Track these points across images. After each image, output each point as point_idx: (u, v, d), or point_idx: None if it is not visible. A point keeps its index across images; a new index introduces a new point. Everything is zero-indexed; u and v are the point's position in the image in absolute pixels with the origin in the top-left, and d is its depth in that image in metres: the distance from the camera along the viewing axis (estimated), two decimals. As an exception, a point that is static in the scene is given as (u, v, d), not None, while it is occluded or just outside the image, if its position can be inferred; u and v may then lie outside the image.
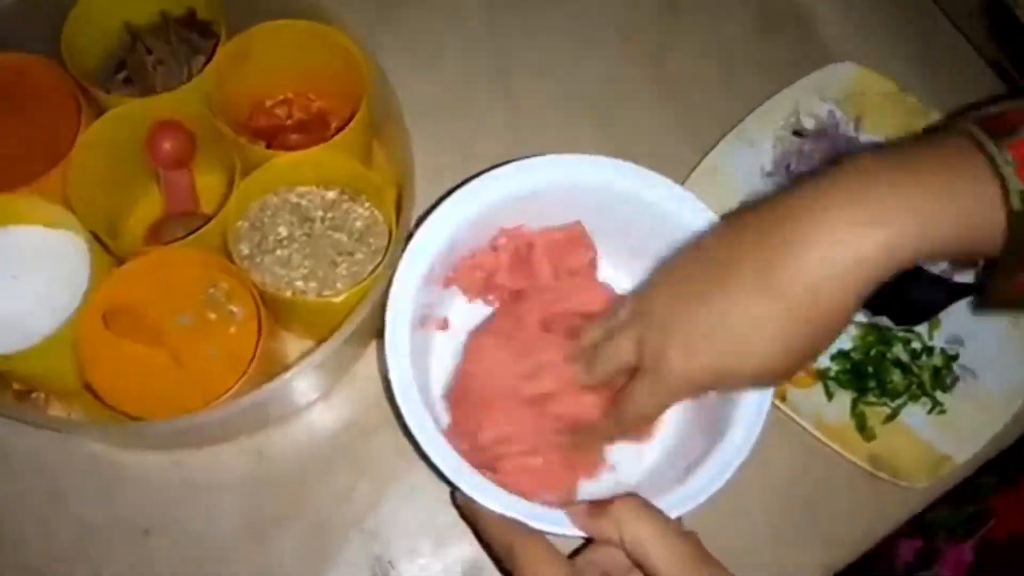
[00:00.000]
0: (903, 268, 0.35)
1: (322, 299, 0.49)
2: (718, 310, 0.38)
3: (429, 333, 0.52)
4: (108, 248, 0.51)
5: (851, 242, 0.34)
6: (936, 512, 0.56)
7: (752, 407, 0.45)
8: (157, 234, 0.53)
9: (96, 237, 0.49)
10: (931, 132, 0.39)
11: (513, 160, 0.50)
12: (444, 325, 0.53)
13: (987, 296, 0.39)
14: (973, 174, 0.34)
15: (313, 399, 0.54)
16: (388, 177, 0.58)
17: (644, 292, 0.43)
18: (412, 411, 0.43)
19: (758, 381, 0.41)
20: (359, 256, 0.51)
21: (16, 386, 0.52)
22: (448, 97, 0.65)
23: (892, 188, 0.34)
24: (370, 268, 0.51)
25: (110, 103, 0.52)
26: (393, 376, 0.44)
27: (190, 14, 0.57)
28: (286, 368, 0.46)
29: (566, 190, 0.50)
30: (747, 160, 0.61)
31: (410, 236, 0.48)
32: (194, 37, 0.57)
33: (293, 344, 0.55)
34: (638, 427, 0.47)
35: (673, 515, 0.43)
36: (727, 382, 0.40)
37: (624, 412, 0.43)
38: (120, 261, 0.50)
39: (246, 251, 0.50)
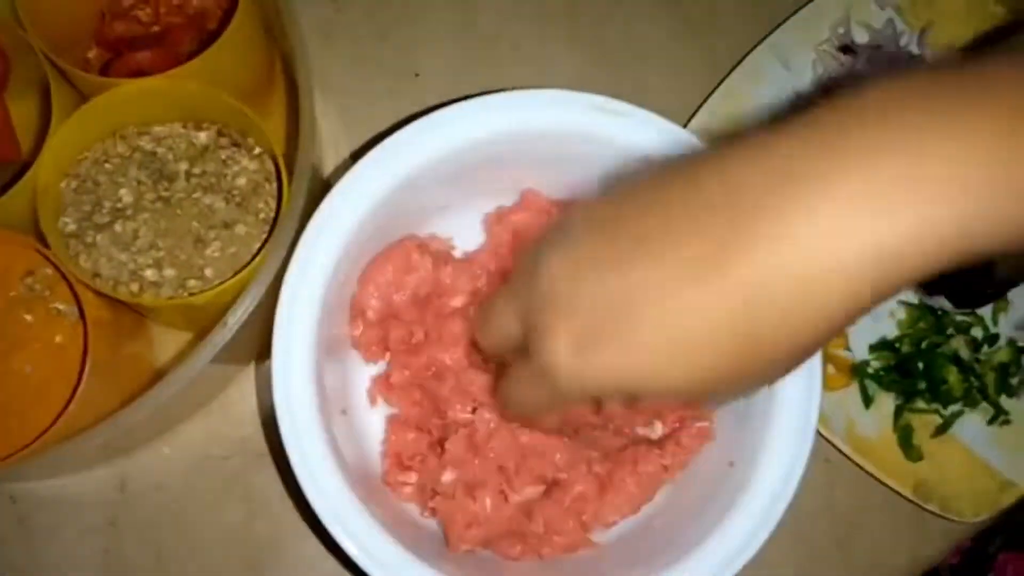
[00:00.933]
0: (942, 268, 0.23)
1: (180, 299, 0.35)
2: (646, 285, 0.25)
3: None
4: None
5: (868, 226, 0.22)
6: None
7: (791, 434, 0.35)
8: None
9: None
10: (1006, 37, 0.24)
11: (463, 96, 0.36)
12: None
13: None
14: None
15: (191, 414, 0.41)
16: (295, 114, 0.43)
17: (548, 238, 0.29)
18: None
19: (675, 399, 0.30)
20: (240, 229, 0.37)
21: None
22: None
23: (939, 139, 0.22)
24: (256, 246, 0.37)
25: None
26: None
27: None
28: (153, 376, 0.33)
29: (511, 143, 0.36)
30: (779, 84, 0.47)
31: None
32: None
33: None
34: (526, 422, 0.36)
35: None
36: (634, 393, 0.27)
37: (504, 399, 0.31)
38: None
39: (72, 226, 0.35)
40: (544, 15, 0.50)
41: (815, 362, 0.36)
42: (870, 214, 0.22)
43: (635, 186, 0.27)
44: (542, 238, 0.28)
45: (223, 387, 0.41)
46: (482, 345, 0.32)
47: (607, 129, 0.36)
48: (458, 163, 0.36)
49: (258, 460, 0.42)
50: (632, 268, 0.25)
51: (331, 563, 0.41)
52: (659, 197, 0.26)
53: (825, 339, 0.24)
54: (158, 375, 0.34)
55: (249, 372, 0.43)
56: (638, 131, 0.36)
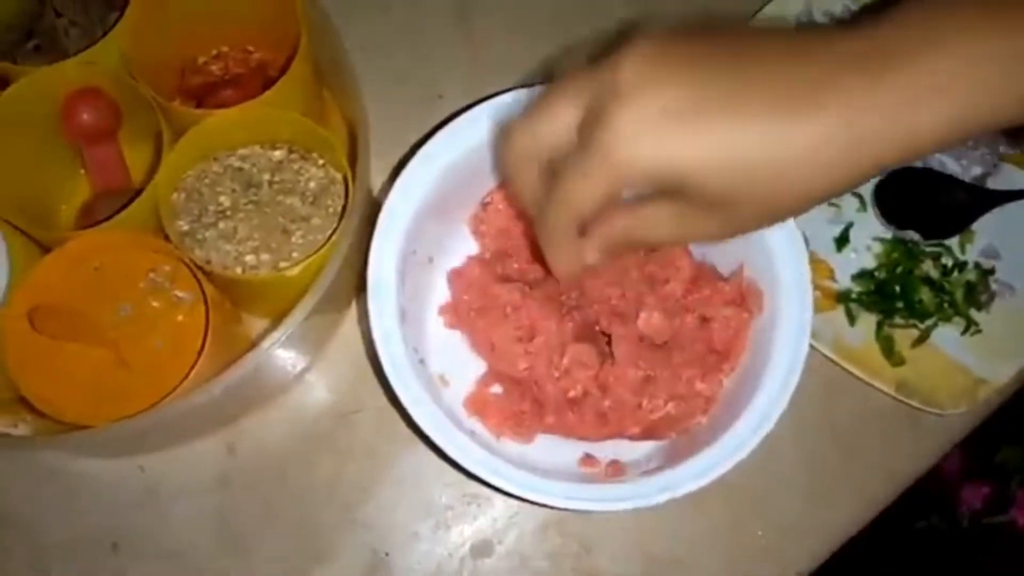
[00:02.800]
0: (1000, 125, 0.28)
1: (276, 274, 0.43)
2: (732, 98, 0.28)
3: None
4: (36, 239, 0.45)
5: (936, 95, 0.27)
6: (1006, 453, 0.52)
7: (790, 343, 0.42)
8: (87, 217, 0.47)
9: (16, 227, 0.44)
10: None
11: (483, 99, 0.44)
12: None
13: None
14: None
15: (285, 384, 0.49)
16: (344, 131, 0.52)
17: (631, 42, 0.30)
18: (398, 373, 0.40)
19: (776, 210, 0.31)
20: (316, 221, 0.46)
21: (-50, 401, 0.47)
22: (399, 35, 0.58)
23: (989, 38, 0.27)
24: (329, 233, 0.45)
25: (17, 75, 0.45)
26: (378, 337, 0.40)
27: (98, -36, 0.50)
28: (248, 351, 0.41)
29: None
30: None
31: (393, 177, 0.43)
32: (106, -10, 0.50)
33: (255, 326, 0.50)
34: (568, 224, 0.34)
35: (708, 480, 0.39)
36: (681, 187, 0.29)
37: (548, 208, 0.32)
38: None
39: (185, 227, 0.44)
40: (536, 41, 0.58)
41: (806, 286, 0.43)
42: (937, 89, 0.27)
43: (727, 30, 0.31)
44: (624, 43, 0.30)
45: (319, 347, 0.49)
46: (527, 144, 0.32)
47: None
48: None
49: (341, 420, 0.49)
50: (721, 81, 0.28)
51: (408, 501, 0.49)
52: (761, 43, 0.29)
53: (859, 180, 0.29)
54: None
55: (325, 355, 0.51)
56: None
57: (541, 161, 0.33)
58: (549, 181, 0.33)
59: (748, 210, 0.30)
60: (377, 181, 0.52)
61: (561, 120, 0.30)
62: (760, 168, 0.28)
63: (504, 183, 0.36)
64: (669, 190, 0.30)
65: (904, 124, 0.27)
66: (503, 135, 0.34)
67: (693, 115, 0.28)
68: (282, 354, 0.45)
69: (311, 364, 0.50)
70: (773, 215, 0.30)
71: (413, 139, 0.53)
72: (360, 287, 0.50)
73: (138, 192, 0.44)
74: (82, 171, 0.50)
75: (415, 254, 0.45)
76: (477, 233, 0.49)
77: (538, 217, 0.34)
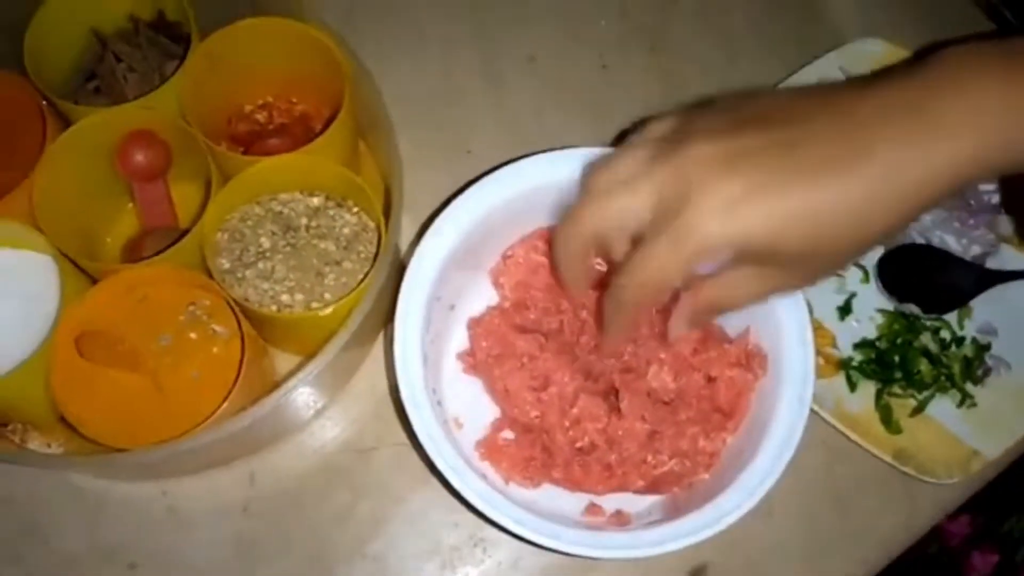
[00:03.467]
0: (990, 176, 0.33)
1: (309, 313, 0.46)
2: (793, 169, 0.32)
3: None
4: (84, 269, 0.48)
5: (953, 142, 0.31)
6: (1011, 523, 0.53)
7: (792, 405, 0.44)
8: (134, 251, 0.50)
9: (68, 258, 0.46)
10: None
11: (510, 160, 0.47)
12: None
13: None
14: None
15: (306, 418, 0.51)
16: (376, 180, 0.55)
17: (689, 126, 0.35)
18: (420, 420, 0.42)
19: (845, 254, 0.34)
20: (347, 265, 0.48)
21: (-9, 418, 0.49)
22: (435, 92, 0.62)
23: (995, 92, 0.31)
24: (360, 277, 0.48)
25: (77, 115, 0.49)
26: (400, 374, 0.43)
27: (159, 16, 0.54)
28: (276, 387, 0.43)
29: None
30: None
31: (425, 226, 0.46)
32: (165, 41, 0.54)
33: (284, 363, 0.52)
34: (645, 298, 0.37)
35: (707, 535, 0.41)
36: (761, 252, 0.33)
37: (629, 275, 0.35)
38: (96, 282, 0.47)
39: (226, 265, 0.47)
40: (565, 103, 0.62)
41: (809, 352, 0.45)
42: (952, 136, 0.31)
43: (773, 98, 0.35)
44: (680, 127, 0.35)
45: (342, 385, 0.52)
46: (596, 227, 0.36)
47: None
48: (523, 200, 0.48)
49: (358, 456, 0.51)
50: (778, 154, 0.32)
51: (417, 539, 0.50)
52: (801, 109, 0.34)
53: (909, 219, 0.33)
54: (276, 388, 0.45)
55: (345, 395, 0.53)
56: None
57: (604, 239, 0.37)
58: (611, 259, 0.37)
59: (821, 260, 0.34)
60: (403, 231, 0.55)
61: (638, 203, 0.34)
62: (827, 224, 0.32)
63: (558, 256, 0.39)
64: (750, 258, 0.34)
65: (942, 164, 0.31)
66: (570, 218, 0.37)
67: (762, 191, 0.32)
68: (307, 390, 0.48)
69: (333, 400, 0.52)
70: (843, 259, 0.35)
71: (440, 191, 0.56)
72: (384, 328, 0.52)
73: (186, 231, 0.47)
74: (130, 207, 0.54)
75: (439, 300, 0.47)
76: (497, 284, 0.52)
77: (614, 293, 0.37)
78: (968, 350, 0.54)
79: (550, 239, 0.50)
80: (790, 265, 0.34)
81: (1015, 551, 0.60)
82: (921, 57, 0.33)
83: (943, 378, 0.54)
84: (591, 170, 0.37)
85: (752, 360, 0.47)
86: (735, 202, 0.32)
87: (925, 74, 0.33)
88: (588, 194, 0.36)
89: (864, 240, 0.33)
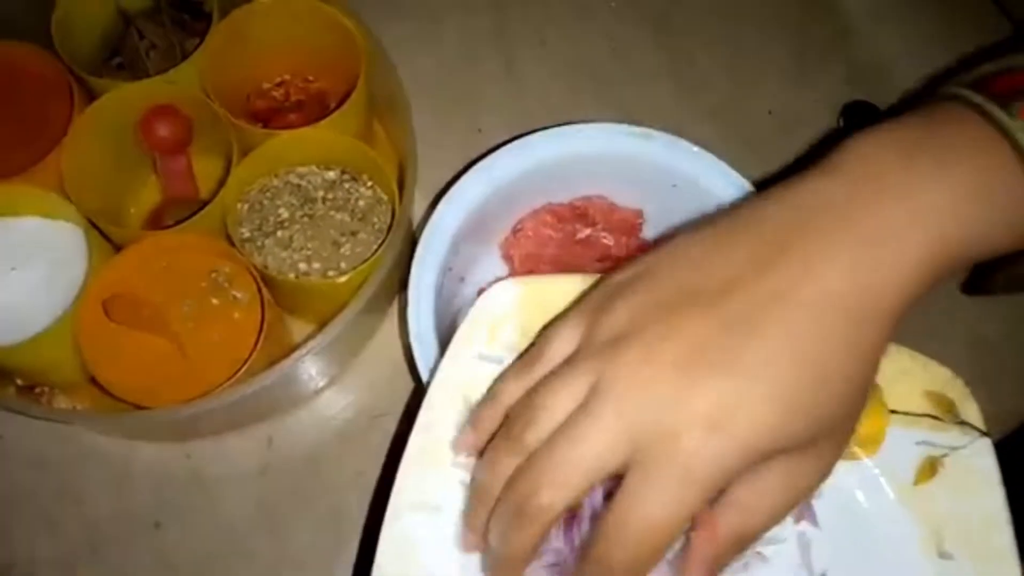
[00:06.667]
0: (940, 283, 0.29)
1: (326, 280, 0.48)
2: (728, 343, 0.28)
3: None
4: (108, 236, 0.50)
5: (888, 248, 0.28)
6: None
7: None
8: (157, 221, 0.52)
9: (94, 225, 0.48)
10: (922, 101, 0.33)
11: (519, 135, 0.49)
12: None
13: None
14: (988, 150, 0.29)
15: (322, 384, 0.53)
16: (390, 155, 0.57)
17: (602, 324, 0.30)
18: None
19: (848, 410, 0.30)
20: (362, 236, 0.50)
21: (19, 381, 0.51)
22: (448, 71, 0.63)
23: (916, 179, 0.29)
24: (374, 248, 0.50)
25: (103, 89, 0.50)
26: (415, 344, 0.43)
27: (182, -5, 0.56)
28: (293, 352, 0.45)
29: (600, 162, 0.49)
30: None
31: (437, 198, 0.47)
32: (187, 19, 0.55)
33: (299, 330, 0.54)
34: (646, 559, 0.28)
35: None
36: (766, 451, 0.28)
37: (621, 530, 0.27)
38: (120, 249, 0.49)
39: (247, 234, 0.49)
40: (575, 84, 0.64)
41: None
42: (881, 235, 0.28)
43: (682, 257, 0.30)
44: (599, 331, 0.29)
45: (356, 352, 0.54)
46: (570, 492, 0.28)
47: (638, 148, 0.48)
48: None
49: (372, 421, 0.53)
50: (732, 336, 0.27)
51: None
52: (723, 260, 0.29)
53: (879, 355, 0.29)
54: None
55: (360, 363, 0.55)
56: (661, 149, 0.48)
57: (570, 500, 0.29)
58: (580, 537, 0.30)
59: (837, 419, 0.29)
60: (416, 205, 0.56)
61: (606, 457, 0.28)
62: (821, 378, 0.28)
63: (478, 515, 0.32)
64: (760, 464, 0.28)
65: (891, 270, 0.28)
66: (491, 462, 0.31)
67: (733, 417, 0.27)
68: (323, 355, 0.50)
69: (348, 367, 0.54)
70: (855, 405, 0.30)
71: (451, 168, 0.58)
72: (398, 298, 0.54)
73: (207, 201, 0.49)
74: (153, 178, 0.55)
75: (450, 271, 0.49)
76: (507, 257, 0.54)
77: (598, 562, 0.28)
78: None
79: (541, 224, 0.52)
80: (812, 440, 0.29)
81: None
82: (824, 151, 0.31)
83: None
84: (515, 422, 0.30)
85: None
86: (718, 407, 0.27)
87: (841, 174, 0.30)
88: (528, 459, 0.29)
89: (864, 372, 0.29)
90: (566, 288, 0.37)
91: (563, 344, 0.31)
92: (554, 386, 0.29)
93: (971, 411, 0.38)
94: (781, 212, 0.30)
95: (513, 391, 0.31)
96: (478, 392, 0.36)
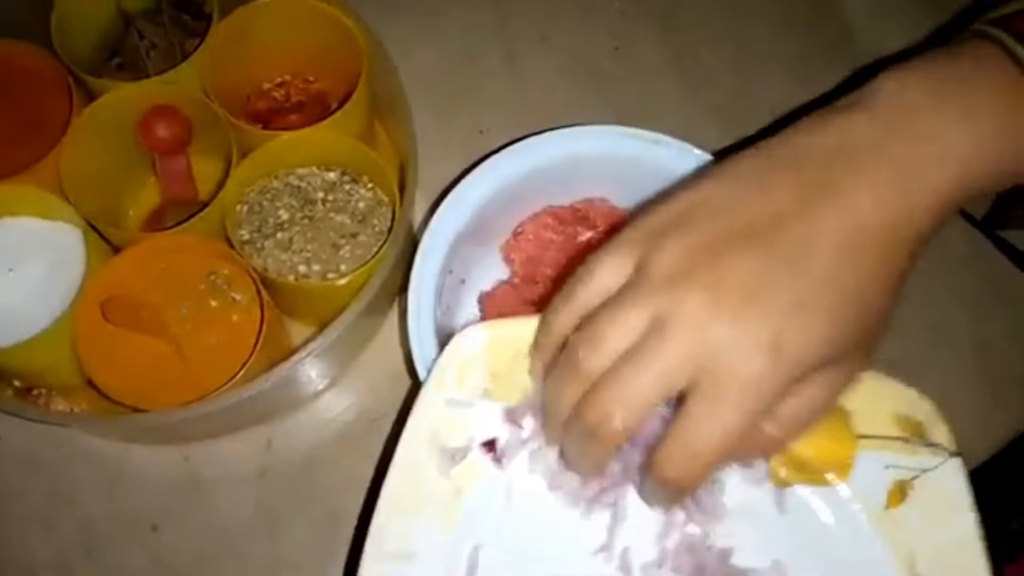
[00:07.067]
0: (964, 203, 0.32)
1: (326, 283, 0.48)
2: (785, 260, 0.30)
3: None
4: (106, 237, 0.49)
5: (919, 174, 0.31)
6: None
7: None
8: (156, 222, 0.52)
9: (93, 226, 0.48)
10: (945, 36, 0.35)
11: (522, 136, 0.48)
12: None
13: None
14: (1013, 89, 0.31)
15: (321, 386, 0.53)
16: (391, 156, 0.57)
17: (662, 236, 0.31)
18: None
19: (876, 316, 0.32)
20: (362, 238, 0.50)
21: (16, 383, 0.51)
22: (449, 68, 0.63)
23: (943, 117, 0.31)
24: (374, 250, 0.49)
25: (102, 89, 0.50)
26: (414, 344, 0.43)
27: (182, -5, 0.55)
28: (292, 354, 0.45)
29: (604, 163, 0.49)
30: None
31: (438, 201, 0.47)
32: (187, 19, 0.55)
33: (298, 333, 0.54)
34: (701, 471, 0.31)
35: None
36: (823, 359, 0.31)
37: (684, 448, 0.30)
38: (119, 251, 0.49)
39: (246, 236, 0.49)
40: (577, 84, 0.63)
41: None
42: (912, 173, 0.30)
43: (729, 191, 0.32)
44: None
45: (356, 355, 0.53)
46: (637, 415, 0.30)
47: (640, 151, 0.48)
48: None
49: (371, 424, 0.53)
50: (780, 268, 0.30)
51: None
52: (766, 192, 0.31)
53: (921, 249, 0.31)
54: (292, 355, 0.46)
55: (359, 366, 0.55)
56: (664, 153, 0.48)
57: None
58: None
59: (870, 328, 0.32)
60: (416, 207, 0.56)
61: (669, 383, 0.30)
62: (861, 299, 0.31)
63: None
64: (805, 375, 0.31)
65: (917, 200, 0.31)
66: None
67: (782, 335, 0.29)
68: (323, 358, 0.49)
69: (347, 370, 0.54)
70: (885, 315, 0.32)
71: (453, 169, 0.57)
72: (398, 300, 0.54)
73: (206, 203, 0.48)
74: (152, 179, 0.55)
75: (451, 274, 0.49)
76: (508, 260, 0.53)
77: (658, 470, 0.31)
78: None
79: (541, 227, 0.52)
80: (839, 362, 0.32)
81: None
82: (857, 84, 0.33)
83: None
84: (571, 306, 0.33)
85: None
86: (777, 336, 0.29)
87: (872, 115, 0.32)
88: (594, 385, 0.31)
89: (889, 283, 0.31)
90: (533, 330, 0.37)
91: (610, 276, 0.32)
92: (614, 317, 0.31)
93: (940, 431, 0.38)
94: (820, 148, 0.32)
95: (564, 319, 0.33)
96: (450, 438, 0.37)
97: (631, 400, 0.30)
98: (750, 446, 0.32)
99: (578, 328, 0.32)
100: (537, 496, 0.38)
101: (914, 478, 0.38)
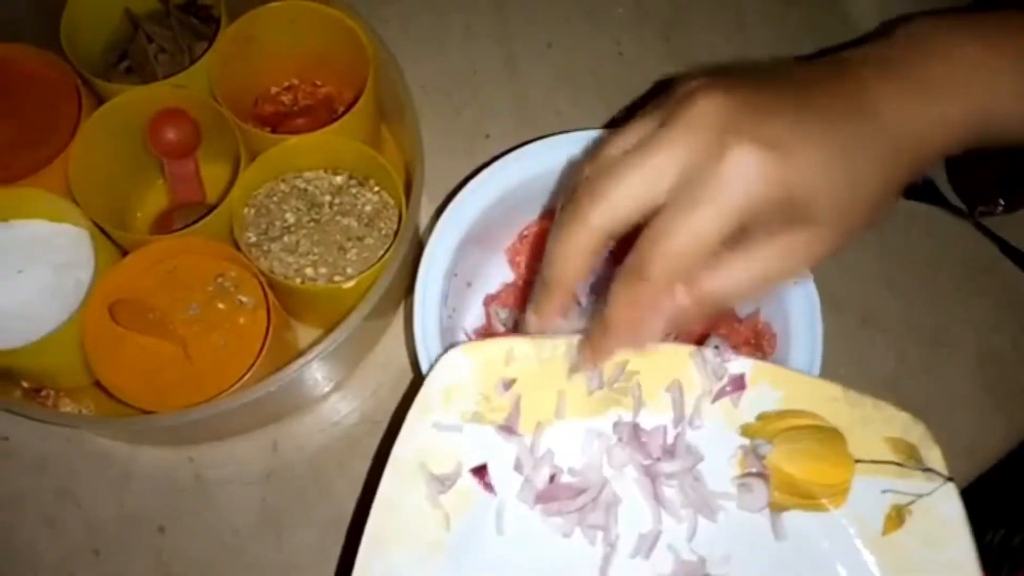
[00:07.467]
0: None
1: (332, 285, 0.48)
2: (814, 120, 0.32)
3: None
4: (114, 240, 0.50)
5: (939, 101, 0.34)
6: (989, 537, 0.53)
7: None
8: (163, 226, 0.52)
9: (101, 229, 0.48)
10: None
11: (527, 141, 0.48)
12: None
13: None
14: None
15: (327, 389, 0.53)
16: (397, 161, 0.57)
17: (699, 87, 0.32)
18: None
19: (857, 211, 0.33)
20: (369, 241, 0.50)
21: (25, 384, 0.51)
22: (455, 76, 0.63)
23: (970, 46, 0.34)
24: (380, 253, 0.50)
25: (111, 93, 0.51)
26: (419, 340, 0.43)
27: (190, -1, 0.56)
28: (299, 357, 0.45)
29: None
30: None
31: (441, 208, 0.47)
32: (195, 23, 0.55)
33: (304, 335, 0.54)
34: (675, 272, 0.31)
35: None
36: (800, 201, 0.31)
37: (660, 245, 0.30)
38: (127, 253, 0.49)
39: (253, 239, 0.49)
40: (581, 90, 0.64)
41: (818, 334, 0.45)
42: (940, 99, 0.33)
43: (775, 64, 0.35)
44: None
45: (361, 358, 0.54)
46: (614, 208, 0.31)
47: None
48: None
49: (376, 427, 0.53)
50: (796, 106, 0.31)
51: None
52: (804, 70, 0.34)
53: (914, 172, 0.34)
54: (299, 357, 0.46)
55: (365, 368, 0.55)
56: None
57: (622, 223, 0.32)
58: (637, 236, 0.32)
59: (855, 208, 0.32)
60: (422, 210, 0.56)
61: (662, 166, 0.30)
62: (860, 166, 0.32)
63: (558, 252, 0.33)
64: (782, 217, 0.31)
65: (936, 123, 0.33)
66: (592, 191, 0.32)
67: (797, 135, 0.30)
68: (329, 360, 0.49)
69: (353, 373, 0.54)
70: (872, 210, 0.33)
71: (458, 174, 0.58)
72: (404, 303, 0.54)
73: (214, 206, 0.49)
74: (160, 182, 0.55)
75: (456, 277, 0.49)
76: (513, 263, 0.53)
77: (633, 270, 0.31)
78: None
79: (545, 231, 0.52)
80: (825, 219, 0.31)
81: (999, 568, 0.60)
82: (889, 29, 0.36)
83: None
84: (595, 149, 0.33)
85: (762, 338, 0.48)
86: (774, 148, 0.29)
87: (905, 42, 0.35)
88: (598, 173, 0.32)
89: (888, 184, 0.33)
90: (519, 351, 0.38)
91: (636, 132, 0.32)
92: (619, 137, 0.33)
93: (934, 455, 0.38)
94: (854, 60, 0.34)
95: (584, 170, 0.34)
96: (437, 462, 0.37)
97: (613, 195, 0.31)
98: (697, 297, 0.32)
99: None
100: (529, 522, 0.38)
101: (910, 503, 0.38)
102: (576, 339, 0.38)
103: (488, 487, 0.38)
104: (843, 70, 0.34)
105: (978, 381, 0.56)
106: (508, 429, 0.38)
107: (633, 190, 0.31)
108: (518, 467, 0.38)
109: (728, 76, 0.32)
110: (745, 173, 0.29)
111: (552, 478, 0.39)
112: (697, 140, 0.30)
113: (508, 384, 0.38)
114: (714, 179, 0.29)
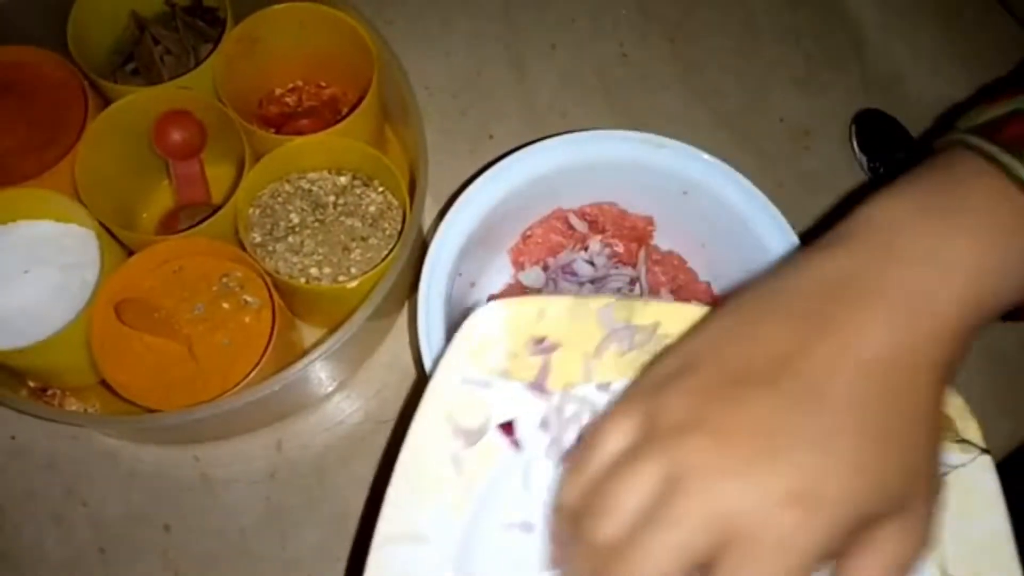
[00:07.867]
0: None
1: (336, 285, 0.48)
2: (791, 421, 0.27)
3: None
4: (120, 240, 0.50)
5: (923, 307, 0.28)
6: None
7: None
8: (169, 226, 0.53)
9: (107, 229, 0.49)
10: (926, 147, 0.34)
11: (531, 141, 0.49)
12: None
13: None
14: (1005, 201, 0.29)
15: (331, 388, 0.53)
16: (401, 161, 0.57)
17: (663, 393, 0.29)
18: None
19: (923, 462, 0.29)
20: (373, 241, 0.50)
21: (31, 383, 0.52)
22: (459, 77, 0.64)
23: (937, 239, 0.29)
24: (384, 253, 0.50)
25: (117, 94, 0.51)
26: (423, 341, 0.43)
27: (196, 1, 0.56)
28: (303, 356, 0.45)
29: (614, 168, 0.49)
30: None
31: (445, 208, 0.47)
32: (201, 25, 0.56)
33: (308, 335, 0.54)
34: None
35: None
36: (860, 518, 0.27)
37: None
38: (133, 253, 0.49)
39: (258, 239, 0.49)
40: (586, 91, 0.64)
41: None
42: (914, 300, 0.28)
43: (727, 334, 0.30)
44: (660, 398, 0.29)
45: (365, 358, 0.54)
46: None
47: (648, 155, 0.48)
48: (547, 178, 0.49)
49: (379, 426, 0.54)
50: (795, 412, 0.27)
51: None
52: (763, 335, 0.29)
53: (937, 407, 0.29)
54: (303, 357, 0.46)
55: (369, 368, 0.55)
56: (672, 157, 0.48)
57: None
58: None
59: (915, 485, 0.29)
60: (426, 211, 0.57)
61: (691, 547, 0.27)
62: (894, 447, 0.28)
63: None
64: (863, 532, 0.28)
65: (921, 333, 0.28)
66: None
67: (812, 452, 0.27)
68: (333, 360, 0.50)
69: (357, 373, 0.54)
70: (932, 456, 0.29)
71: (462, 174, 0.58)
72: (408, 303, 0.54)
73: (219, 206, 0.49)
74: (166, 183, 0.56)
75: (460, 277, 0.49)
76: (516, 263, 0.54)
77: None
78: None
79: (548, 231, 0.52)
80: (904, 502, 0.28)
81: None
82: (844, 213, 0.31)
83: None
84: (584, 523, 0.29)
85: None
86: (804, 481, 0.26)
87: (863, 241, 0.30)
88: (610, 558, 0.28)
89: (925, 424, 0.29)
90: (552, 309, 0.37)
91: (618, 438, 0.30)
92: (623, 480, 0.28)
93: (971, 428, 0.38)
94: (806, 286, 0.30)
95: (575, 493, 0.30)
96: (464, 417, 0.37)
97: (654, 564, 0.26)
98: None
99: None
100: (555, 479, 0.37)
101: (945, 475, 0.37)
102: (613, 299, 0.37)
103: (515, 444, 0.38)
104: (802, 315, 0.29)
105: (984, 383, 0.56)
106: (537, 387, 0.38)
107: (672, 561, 0.27)
108: (544, 426, 0.38)
109: (690, 392, 0.29)
110: (792, 535, 0.26)
111: (579, 439, 0.38)
112: (712, 508, 0.26)
113: (539, 341, 0.38)
114: (760, 552, 0.26)
